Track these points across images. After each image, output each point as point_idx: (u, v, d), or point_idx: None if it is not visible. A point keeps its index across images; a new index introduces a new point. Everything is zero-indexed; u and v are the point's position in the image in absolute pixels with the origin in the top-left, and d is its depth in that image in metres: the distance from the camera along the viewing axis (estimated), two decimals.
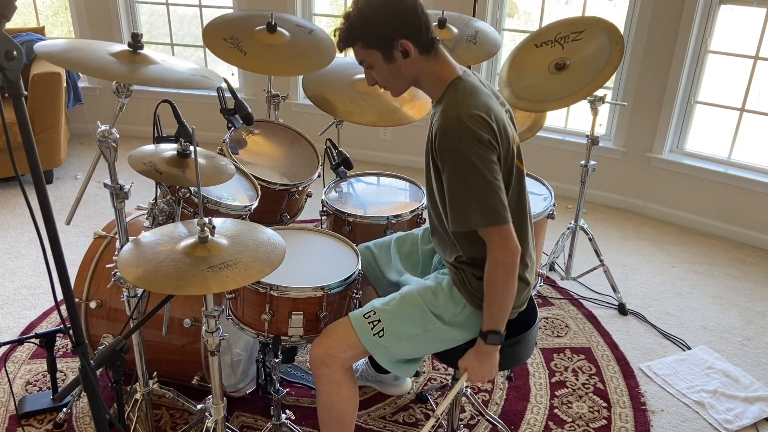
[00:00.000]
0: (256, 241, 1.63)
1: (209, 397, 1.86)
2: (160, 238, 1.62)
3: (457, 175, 1.60)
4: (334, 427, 1.87)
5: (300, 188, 2.47)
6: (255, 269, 1.52)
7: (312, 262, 1.98)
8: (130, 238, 1.69)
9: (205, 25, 2.60)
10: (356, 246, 2.08)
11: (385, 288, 2.10)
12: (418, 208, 2.49)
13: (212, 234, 1.58)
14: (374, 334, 1.75)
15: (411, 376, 2.03)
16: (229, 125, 2.39)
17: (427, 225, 2.13)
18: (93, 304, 2.20)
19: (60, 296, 1.31)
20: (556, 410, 2.44)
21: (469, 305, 1.78)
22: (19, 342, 2.48)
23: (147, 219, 1.95)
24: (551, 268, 3.35)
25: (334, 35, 1.73)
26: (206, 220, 1.57)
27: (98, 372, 2.10)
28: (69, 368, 2.54)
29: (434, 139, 1.65)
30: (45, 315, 2.87)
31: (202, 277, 1.46)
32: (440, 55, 1.70)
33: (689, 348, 2.83)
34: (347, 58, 4.30)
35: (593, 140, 2.91)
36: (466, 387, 2.29)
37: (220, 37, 2.54)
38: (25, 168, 1.27)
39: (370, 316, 1.77)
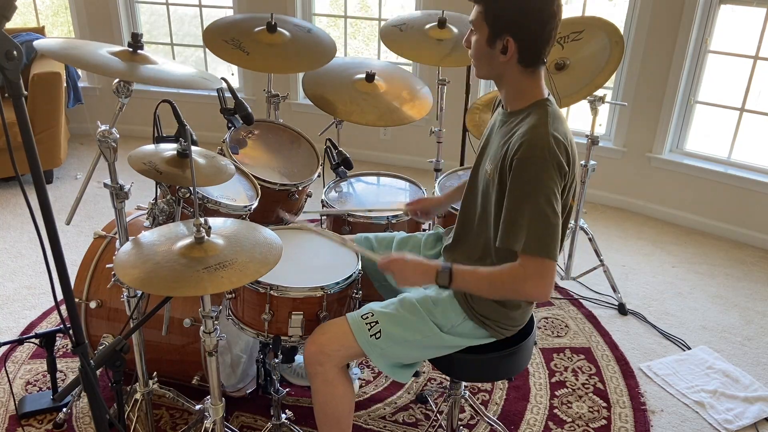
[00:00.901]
0: (252, 241, 1.63)
1: (208, 397, 1.86)
2: (157, 238, 1.62)
3: (526, 192, 1.56)
4: (331, 425, 1.86)
5: (300, 188, 2.47)
6: (251, 269, 1.52)
7: (312, 262, 1.98)
8: (129, 239, 1.68)
9: (204, 26, 2.60)
10: (354, 237, 2.08)
11: (380, 281, 2.10)
12: None
13: (208, 234, 1.57)
14: (371, 336, 1.74)
15: (407, 381, 2.02)
16: (229, 125, 2.39)
17: (431, 231, 2.13)
18: (93, 304, 2.20)
19: (60, 296, 1.30)
20: (555, 410, 2.44)
21: (468, 319, 1.78)
22: (19, 342, 2.48)
23: (147, 219, 1.95)
24: None
25: None
26: (202, 220, 1.56)
27: (98, 372, 2.11)
28: (69, 368, 2.54)
29: (514, 148, 1.59)
30: (45, 315, 2.87)
31: (197, 278, 1.46)
32: (537, 74, 1.67)
33: (689, 348, 2.83)
34: (347, 58, 4.31)
35: (593, 140, 2.91)
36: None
37: (221, 39, 2.55)
38: (25, 168, 1.27)
39: (367, 317, 1.76)
